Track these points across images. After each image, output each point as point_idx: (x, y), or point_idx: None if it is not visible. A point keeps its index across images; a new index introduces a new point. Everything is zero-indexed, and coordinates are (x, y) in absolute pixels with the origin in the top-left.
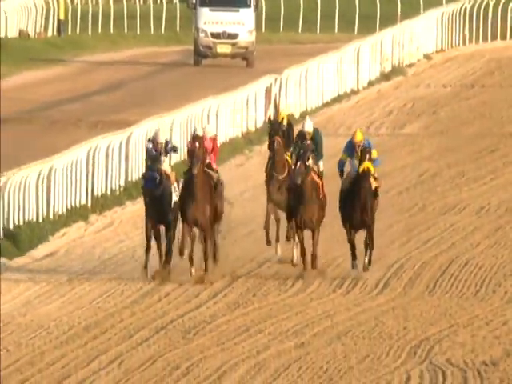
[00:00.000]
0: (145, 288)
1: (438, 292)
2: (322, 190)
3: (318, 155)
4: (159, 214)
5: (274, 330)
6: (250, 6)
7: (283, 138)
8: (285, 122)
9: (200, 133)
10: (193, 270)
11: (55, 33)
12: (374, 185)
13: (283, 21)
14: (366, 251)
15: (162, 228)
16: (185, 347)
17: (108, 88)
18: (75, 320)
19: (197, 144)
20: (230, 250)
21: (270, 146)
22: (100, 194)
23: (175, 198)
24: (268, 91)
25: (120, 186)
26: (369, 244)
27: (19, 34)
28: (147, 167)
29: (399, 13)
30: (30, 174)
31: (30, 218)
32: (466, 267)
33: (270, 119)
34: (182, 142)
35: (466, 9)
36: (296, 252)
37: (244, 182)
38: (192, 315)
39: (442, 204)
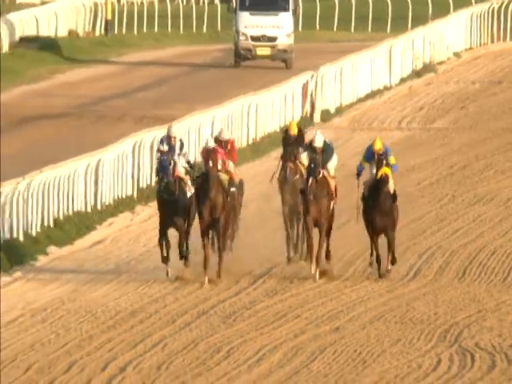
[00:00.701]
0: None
1: (467, 279)
2: (333, 194)
3: (325, 162)
4: (174, 218)
5: (311, 315)
6: (288, 10)
7: (295, 146)
8: (295, 133)
9: (212, 144)
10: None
11: (103, 32)
12: (392, 189)
13: (319, 20)
14: (388, 255)
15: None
16: (225, 331)
17: (152, 84)
18: (121, 305)
19: (210, 163)
20: (271, 235)
21: (283, 160)
22: (145, 186)
23: (188, 196)
24: (305, 87)
25: None
26: (392, 248)
27: (69, 33)
28: (159, 160)
29: (430, 13)
30: (78, 167)
31: (79, 208)
32: (493, 255)
33: (284, 130)
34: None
35: (494, 9)
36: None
37: None
38: (232, 301)
39: (471, 195)
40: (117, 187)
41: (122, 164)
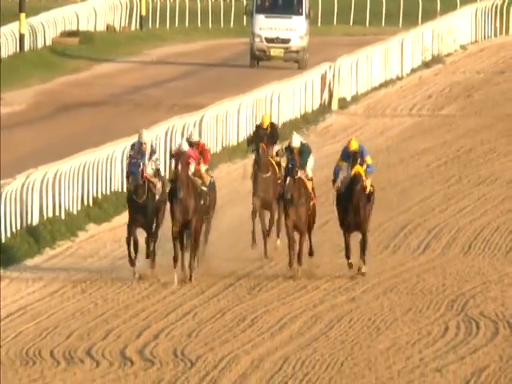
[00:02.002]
0: (214, 250)
1: (473, 253)
2: (312, 195)
3: (303, 165)
4: (143, 220)
5: (328, 287)
6: (301, 13)
7: (268, 139)
8: (267, 126)
9: (185, 148)
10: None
11: (138, 27)
12: (368, 189)
13: (337, 16)
14: (361, 253)
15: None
16: (250, 302)
17: (184, 75)
18: (155, 277)
19: (179, 167)
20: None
21: (255, 152)
22: None
23: (157, 199)
24: (323, 77)
25: None
26: (363, 246)
27: (106, 28)
28: (129, 163)
29: (438, 9)
30: (116, 150)
31: (116, 189)
32: (497, 232)
33: (256, 125)
34: (248, 124)
35: (497, 5)
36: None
37: None
38: (256, 274)
39: (476, 176)
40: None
41: (156, 148)
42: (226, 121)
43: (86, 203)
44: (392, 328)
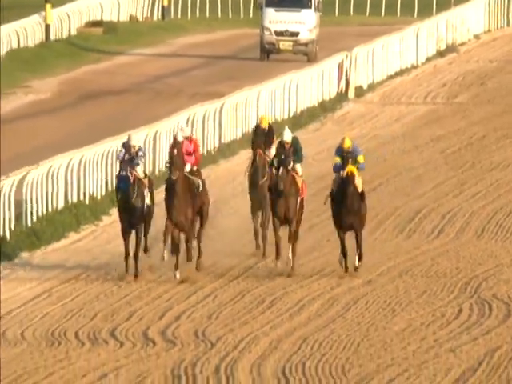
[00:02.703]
0: (233, 235)
1: (486, 237)
2: (302, 189)
3: (298, 160)
4: (131, 219)
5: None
6: (310, 7)
7: (266, 140)
8: (265, 126)
9: (180, 138)
10: (177, 274)
11: (160, 17)
12: (360, 188)
13: (353, 6)
14: (356, 252)
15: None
16: (269, 284)
17: (204, 64)
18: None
19: (175, 151)
20: (310, 198)
21: (253, 156)
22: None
23: (148, 201)
24: (340, 66)
25: (214, 147)
26: (358, 245)
27: (129, 18)
28: (120, 168)
29: (452, 0)
30: (138, 138)
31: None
32: (509, 216)
33: (254, 127)
34: (267, 112)
35: None
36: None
37: (320, 145)
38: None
39: (488, 162)
40: None
41: (145, 150)
42: (245, 109)
43: (109, 188)
44: (407, 310)
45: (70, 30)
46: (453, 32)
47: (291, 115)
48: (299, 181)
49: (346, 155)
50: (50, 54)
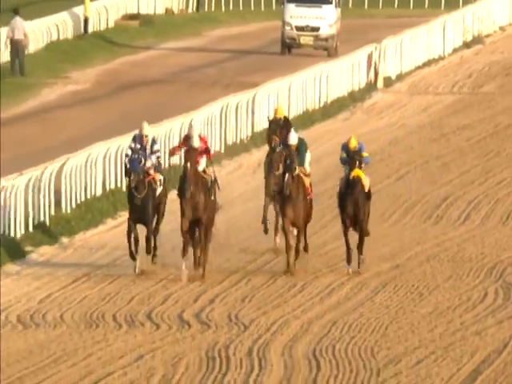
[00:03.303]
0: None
1: (510, 223)
2: (309, 190)
3: (300, 163)
4: (142, 214)
5: (374, 254)
6: (331, 2)
7: (281, 132)
8: (281, 117)
9: (197, 144)
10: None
11: (195, 10)
12: (366, 187)
13: None
14: (358, 249)
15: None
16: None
17: (238, 55)
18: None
19: (188, 163)
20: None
21: (269, 145)
22: (231, 143)
23: (158, 197)
24: (369, 57)
25: (247, 136)
26: (360, 243)
27: (165, 11)
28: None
29: None
30: (174, 126)
31: (174, 162)
32: None
33: (269, 119)
34: (298, 102)
35: None
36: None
37: (349, 133)
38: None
39: None
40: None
41: (211, 124)
42: (277, 98)
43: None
44: (434, 294)
45: (107, 23)
46: (479, 24)
47: (321, 105)
48: (307, 181)
49: (352, 155)
50: (88, 46)
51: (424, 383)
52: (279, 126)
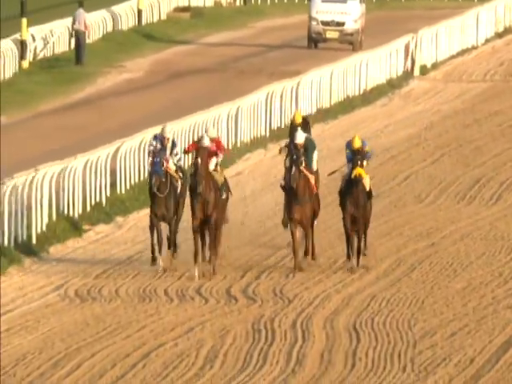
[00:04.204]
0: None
1: None
2: (314, 188)
3: (308, 160)
4: (164, 213)
5: (411, 233)
6: None
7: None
8: (299, 122)
9: (207, 143)
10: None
11: (242, 3)
12: (367, 187)
13: None
14: (357, 249)
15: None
16: (340, 246)
17: (282, 45)
18: (255, 226)
19: (199, 161)
20: (378, 167)
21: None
22: (276, 127)
23: (179, 195)
24: (406, 46)
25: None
26: (362, 241)
27: (214, 3)
28: (153, 157)
29: None
30: (222, 112)
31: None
32: None
33: (290, 120)
34: (339, 89)
35: None
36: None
37: (387, 119)
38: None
39: None
40: (253, 128)
41: (257, 110)
42: (319, 86)
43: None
44: (467, 270)
45: (160, 15)
46: (510, 15)
47: (361, 92)
48: (312, 179)
49: (355, 155)
50: (141, 37)
51: (458, 354)
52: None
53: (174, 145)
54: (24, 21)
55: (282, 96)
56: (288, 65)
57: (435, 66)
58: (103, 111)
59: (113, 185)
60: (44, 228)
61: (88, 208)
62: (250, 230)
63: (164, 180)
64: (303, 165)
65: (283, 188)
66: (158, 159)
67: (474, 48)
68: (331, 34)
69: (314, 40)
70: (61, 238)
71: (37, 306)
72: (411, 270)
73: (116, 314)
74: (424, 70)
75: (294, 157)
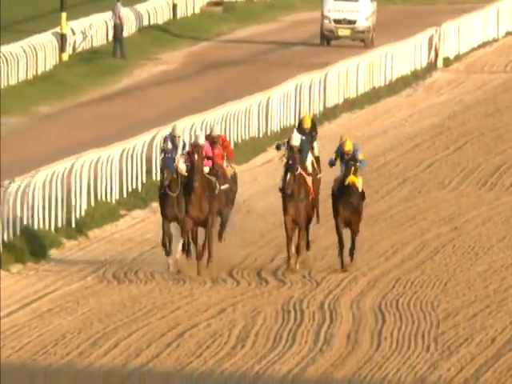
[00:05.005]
0: None
1: None
2: (311, 190)
3: (303, 159)
4: (176, 213)
5: (434, 218)
6: None
7: (309, 138)
8: (308, 126)
9: (202, 141)
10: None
11: None
12: (360, 188)
13: None
14: (350, 248)
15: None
16: (367, 231)
17: (309, 38)
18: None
19: (196, 156)
20: (404, 155)
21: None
22: None
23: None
24: (430, 39)
25: (319, 111)
26: (352, 242)
27: None
28: (164, 155)
29: None
30: (253, 102)
31: (253, 134)
32: None
33: (298, 122)
34: (365, 80)
35: None
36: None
37: (412, 108)
38: (373, 207)
39: None
40: (282, 117)
41: (286, 100)
42: (346, 77)
43: None
44: (489, 253)
45: (194, 9)
46: None
47: (387, 82)
48: (309, 181)
49: (347, 160)
50: (176, 31)
51: (479, 334)
52: (306, 134)
53: (185, 144)
54: (64, 15)
55: (310, 87)
56: (316, 57)
57: (458, 57)
58: (140, 101)
59: (148, 172)
60: (83, 213)
61: (125, 194)
62: (280, 214)
63: (175, 178)
64: (298, 171)
65: (281, 190)
66: (170, 155)
67: (494, 41)
68: (343, 31)
69: (327, 38)
70: (99, 222)
71: (76, 287)
72: (435, 253)
73: (151, 295)
74: (447, 62)
75: (290, 162)
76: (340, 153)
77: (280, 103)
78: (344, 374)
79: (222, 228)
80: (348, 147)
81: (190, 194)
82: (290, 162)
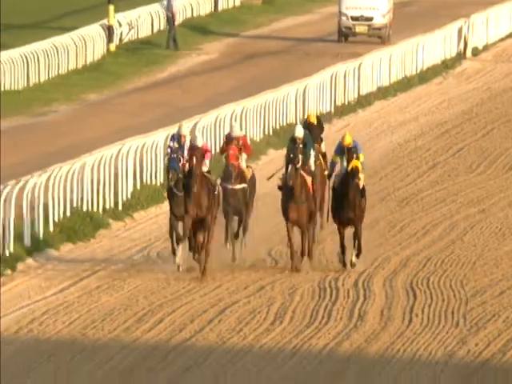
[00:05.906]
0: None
1: None
2: (310, 189)
3: (304, 157)
4: (182, 211)
5: (463, 200)
6: None
7: (315, 136)
8: (314, 121)
9: (200, 143)
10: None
11: None
12: (361, 184)
13: None
14: (353, 247)
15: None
16: (399, 212)
17: None
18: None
19: (194, 160)
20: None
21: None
22: (340, 104)
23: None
24: (460, 30)
25: (354, 98)
26: (356, 241)
27: None
28: (171, 154)
29: None
30: (290, 91)
31: (290, 121)
32: None
33: (304, 119)
34: (398, 69)
35: None
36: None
37: (442, 96)
38: (404, 189)
39: None
40: (319, 105)
41: (322, 88)
42: (379, 67)
43: (266, 133)
44: None
45: (234, 2)
46: None
47: (418, 71)
48: (308, 180)
49: (348, 151)
50: (218, 22)
51: (506, 311)
52: (316, 129)
53: (191, 143)
54: (111, 7)
55: (345, 76)
56: (350, 47)
57: (486, 47)
58: (183, 89)
59: None
60: (129, 196)
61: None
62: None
63: (183, 177)
64: (300, 163)
65: (280, 188)
66: (175, 155)
67: None
68: (360, 28)
69: (344, 34)
70: (144, 204)
71: (123, 266)
72: (463, 233)
73: (194, 274)
74: (475, 52)
75: (291, 155)
76: (339, 151)
77: (317, 90)
78: (377, 349)
79: (239, 230)
80: (347, 141)
81: (189, 195)
82: (292, 155)
